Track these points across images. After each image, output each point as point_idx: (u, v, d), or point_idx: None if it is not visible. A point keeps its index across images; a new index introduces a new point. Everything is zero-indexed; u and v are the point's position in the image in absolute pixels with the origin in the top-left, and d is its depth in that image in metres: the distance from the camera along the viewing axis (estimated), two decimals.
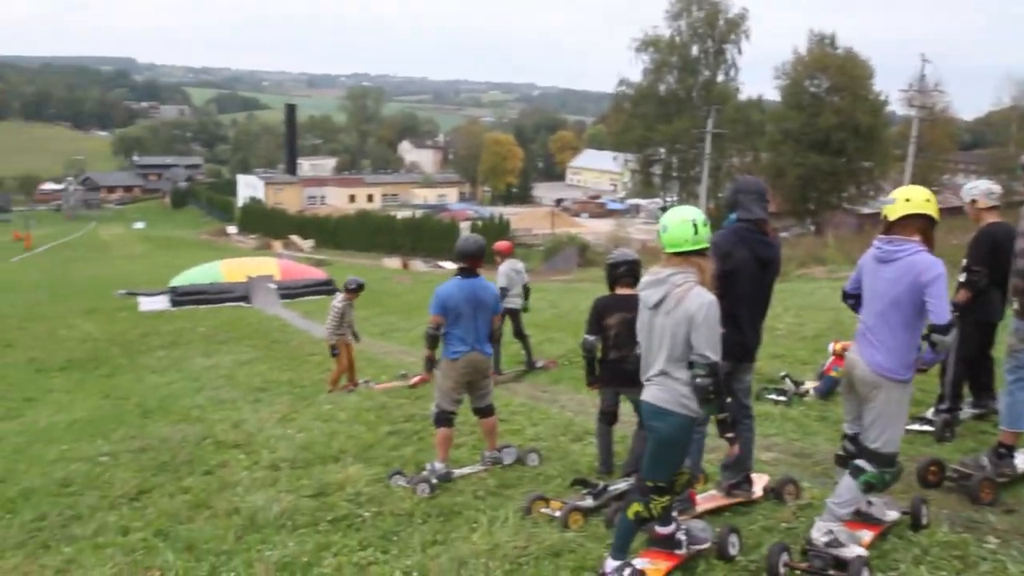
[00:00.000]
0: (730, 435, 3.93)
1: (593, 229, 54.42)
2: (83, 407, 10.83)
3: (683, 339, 3.78)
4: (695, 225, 3.83)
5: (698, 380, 3.74)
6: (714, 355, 3.74)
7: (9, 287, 31.40)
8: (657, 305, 3.88)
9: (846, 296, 4.49)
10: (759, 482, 5.05)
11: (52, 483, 6.76)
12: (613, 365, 5.48)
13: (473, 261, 5.96)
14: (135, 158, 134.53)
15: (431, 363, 6.12)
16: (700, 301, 3.75)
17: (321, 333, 16.00)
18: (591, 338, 5.50)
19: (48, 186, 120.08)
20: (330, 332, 9.88)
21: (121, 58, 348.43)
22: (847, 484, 4.13)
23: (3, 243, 66.91)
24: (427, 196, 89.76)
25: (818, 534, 4.08)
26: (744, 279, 4.56)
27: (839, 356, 7.02)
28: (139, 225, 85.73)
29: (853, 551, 4.00)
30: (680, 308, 3.77)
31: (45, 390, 12.68)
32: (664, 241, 3.90)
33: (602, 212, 73.54)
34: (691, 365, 3.77)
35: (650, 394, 3.92)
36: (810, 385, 7.63)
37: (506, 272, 9.92)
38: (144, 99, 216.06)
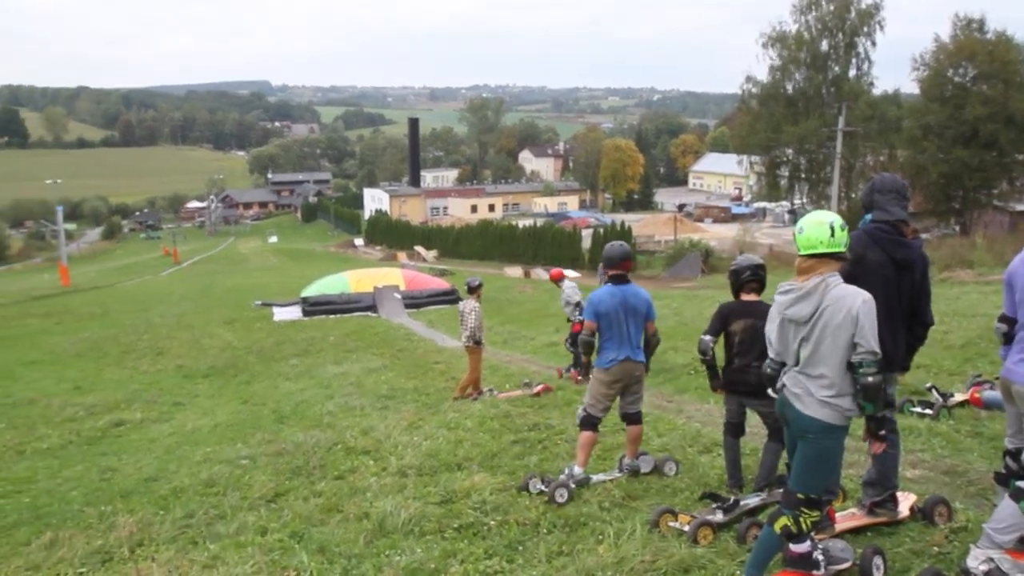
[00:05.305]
0: (883, 432, 3.80)
1: (717, 234, 53.13)
2: (224, 412, 11.44)
3: (845, 344, 3.64)
4: (832, 228, 3.73)
5: (870, 379, 3.61)
6: (879, 349, 3.64)
7: (160, 299, 33.79)
8: (811, 318, 3.72)
9: (1008, 323, 4.14)
10: (905, 501, 4.74)
11: (199, 483, 7.16)
12: (735, 374, 5.31)
13: (621, 266, 5.95)
14: (269, 175, 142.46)
15: (587, 369, 6.19)
16: (863, 298, 3.65)
17: (447, 342, 16.40)
18: (707, 338, 5.34)
19: (192, 204, 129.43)
20: (474, 332, 9.98)
21: (257, 81, 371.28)
22: (1008, 508, 3.80)
23: (155, 258, 72.23)
24: (548, 204, 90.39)
25: (975, 562, 3.78)
26: (878, 283, 4.24)
27: None
28: (273, 239, 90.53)
29: None
30: (842, 311, 3.64)
31: (192, 395, 13.50)
32: (799, 242, 3.80)
33: (726, 217, 71.76)
34: (853, 367, 3.64)
35: (815, 410, 3.73)
36: (960, 397, 7.11)
37: (573, 287, 11.36)
38: (277, 119, 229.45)
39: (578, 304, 11.21)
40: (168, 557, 5.21)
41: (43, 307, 31.77)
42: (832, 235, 3.71)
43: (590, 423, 5.93)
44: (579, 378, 11.23)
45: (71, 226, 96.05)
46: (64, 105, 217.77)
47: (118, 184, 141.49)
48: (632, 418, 6.03)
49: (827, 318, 3.67)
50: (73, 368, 17.22)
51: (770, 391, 4.11)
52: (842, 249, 3.76)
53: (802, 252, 3.79)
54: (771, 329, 3.99)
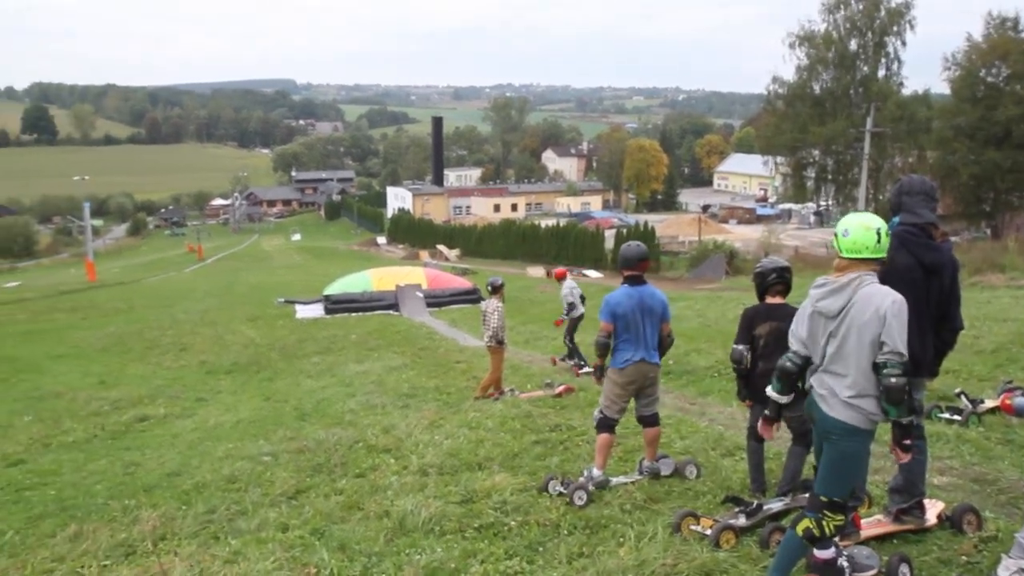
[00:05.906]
0: (908, 441, 3.69)
1: (742, 235, 52.68)
2: (247, 408, 11.51)
3: (871, 343, 3.59)
4: (879, 234, 3.69)
5: (893, 380, 3.53)
6: (906, 351, 3.57)
7: (184, 295, 34.13)
8: (839, 313, 3.70)
9: None
10: (933, 509, 4.65)
11: (220, 479, 7.19)
12: (760, 379, 5.21)
13: (638, 267, 5.89)
14: (293, 173, 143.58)
15: (600, 371, 6.09)
16: (893, 297, 3.60)
17: (469, 341, 16.40)
18: (740, 347, 5.27)
19: (217, 202, 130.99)
20: (496, 332, 9.89)
21: (282, 80, 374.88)
22: None
23: (179, 255, 73.02)
24: (571, 204, 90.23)
25: (1006, 572, 3.71)
26: (906, 286, 4.12)
27: None
28: (296, 237, 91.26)
29: None
30: (870, 308, 3.60)
31: (214, 391, 13.60)
32: (842, 245, 3.75)
33: (751, 218, 71.23)
34: (877, 368, 3.57)
35: (839, 412, 3.70)
36: (990, 404, 6.99)
37: (572, 287, 12.74)
38: (302, 117, 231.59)
39: (571, 305, 12.57)
40: (190, 551, 5.23)
41: (70, 302, 32.25)
42: (878, 241, 3.69)
43: (606, 425, 5.88)
44: (579, 373, 11.29)
45: (97, 222, 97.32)
46: (92, 103, 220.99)
47: (144, 181, 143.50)
48: (648, 420, 5.99)
49: (854, 314, 3.64)
50: (98, 363, 17.44)
51: (770, 387, 4.03)
52: (884, 255, 3.74)
53: (845, 255, 3.75)
54: (801, 322, 3.93)
